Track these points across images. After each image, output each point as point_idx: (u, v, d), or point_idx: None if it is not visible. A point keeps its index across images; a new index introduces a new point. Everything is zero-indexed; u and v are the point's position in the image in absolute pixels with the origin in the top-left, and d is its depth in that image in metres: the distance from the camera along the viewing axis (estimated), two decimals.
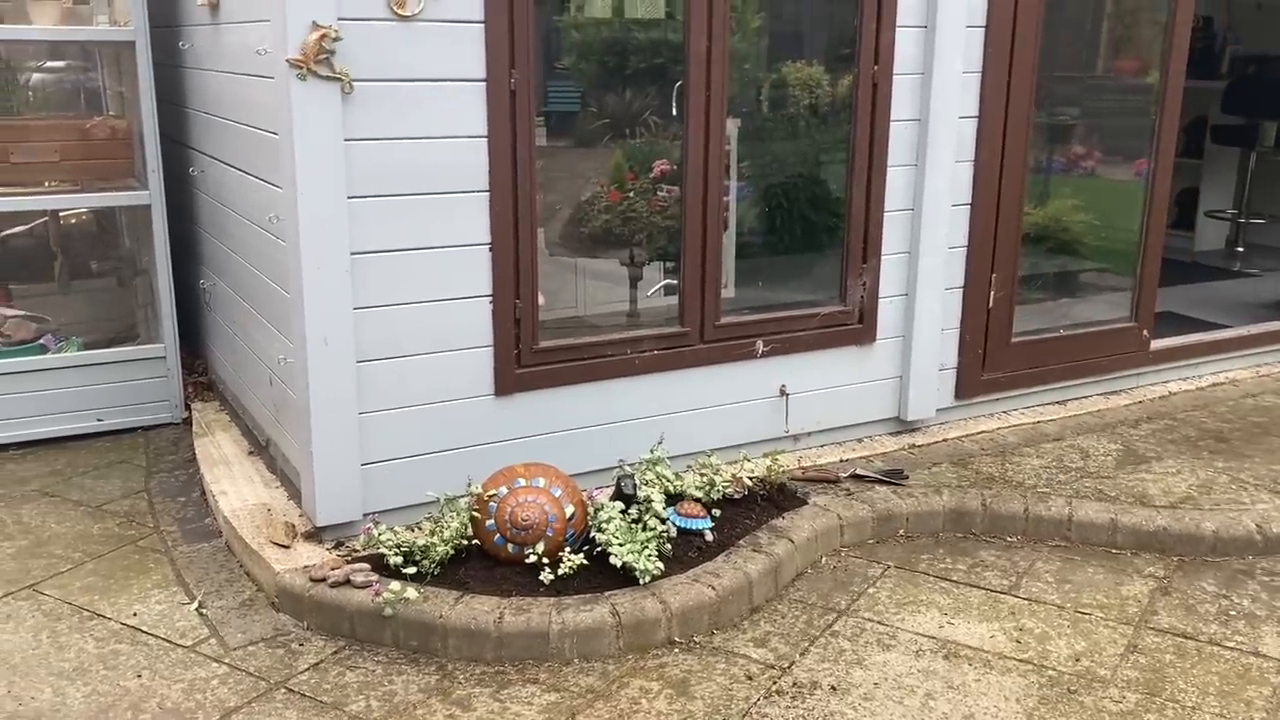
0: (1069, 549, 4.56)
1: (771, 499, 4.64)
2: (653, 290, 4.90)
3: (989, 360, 5.64)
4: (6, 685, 3.61)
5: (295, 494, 4.60)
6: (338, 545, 4.27)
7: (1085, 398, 6.06)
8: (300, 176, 3.91)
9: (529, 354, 4.48)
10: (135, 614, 4.05)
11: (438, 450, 4.40)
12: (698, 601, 3.89)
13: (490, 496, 4.05)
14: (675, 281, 4.91)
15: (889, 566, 4.41)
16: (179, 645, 3.86)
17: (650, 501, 4.14)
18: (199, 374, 6.23)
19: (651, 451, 4.49)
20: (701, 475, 4.54)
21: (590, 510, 4.14)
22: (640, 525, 4.11)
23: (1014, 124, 5.37)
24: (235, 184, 4.94)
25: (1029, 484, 4.92)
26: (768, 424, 5.12)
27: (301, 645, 3.86)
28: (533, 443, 4.56)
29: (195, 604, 4.12)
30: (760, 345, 4.97)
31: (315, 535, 4.31)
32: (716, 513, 4.40)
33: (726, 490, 4.46)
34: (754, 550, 4.22)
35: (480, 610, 3.78)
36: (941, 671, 3.68)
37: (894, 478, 4.92)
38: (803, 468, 5.02)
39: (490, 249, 4.32)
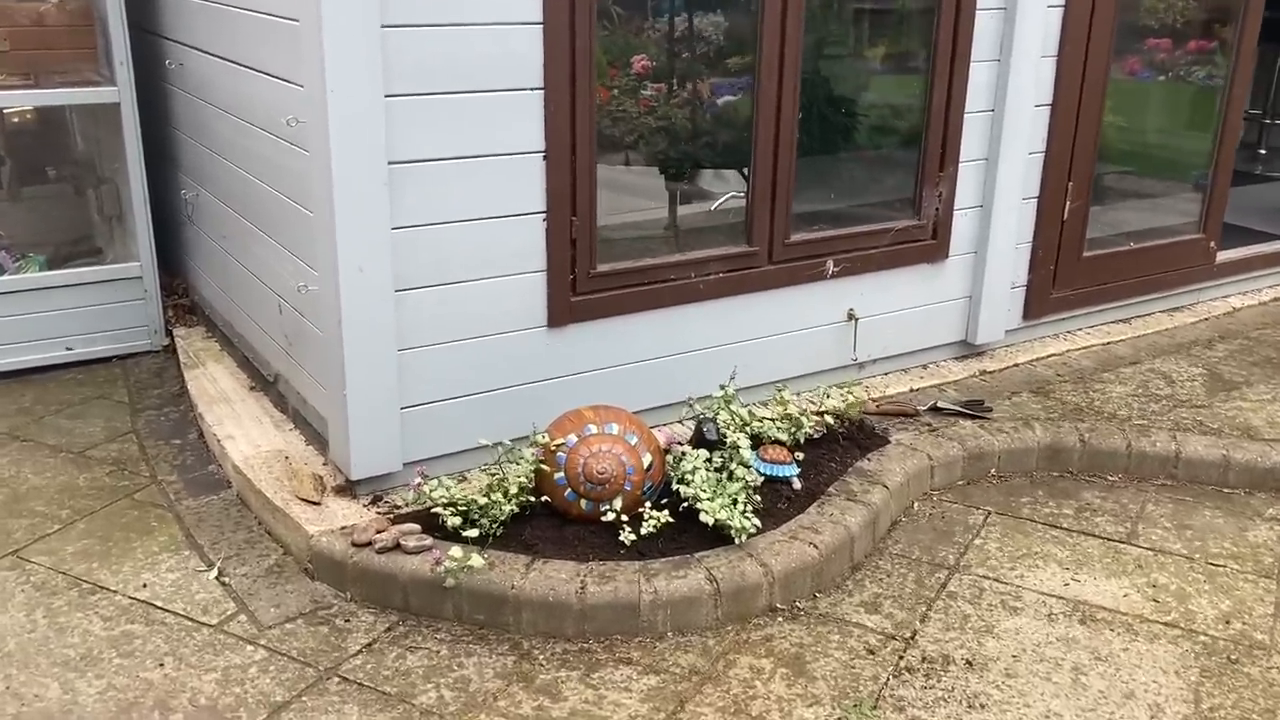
0: (1176, 489, 4.17)
1: (852, 437, 4.18)
2: (718, 203, 4.33)
3: (1059, 277, 5.18)
4: (3, 680, 3.06)
5: (315, 438, 4.03)
6: (375, 500, 3.73)
7: (1149, 315, 5.65)
8: (330, 70, 3.27)
9: (585, 279, 3.91)
10: (145, 585, 3.49)
11: (485, 390, 3.85)
12: (800, 562, 3.43)
13: (558, 446, 3.52)
14: (734, 194, 4.35)
15: (989, 512, 3.98)
16: (203, 624, 3.32)
17: (737, 448, 3.64)
18: (179, 295, 5.56)
19: (723, 389, 3.98)
20: (780, 412, 4.05)
21: (670, 459, 3.63)
22: (727, 474, 3.62)
23: (1100, 14, 4.82)
24: (229, 80, 4.25)
25: (1121, 415, 4.51)
26: (834, 352, 4.63)
27: (348, 621, 3.34)
28: (589, 380, 4.03)
29: (215, 571, 3.57)
30: (830, 265, 4.45)
31: (348, 489, 3.76)
32: (800, 456, 3.92)
33: (809, 431, 3.97)
34: (849, 499, 3.75)
35: (558, 579, 3.28)
36: (1083, 639, 3.27)
37: (976, 410, 4.48)
38: (874, 400, 4.55)
39: (545, 158, 3.71)
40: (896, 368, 4.88)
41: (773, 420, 4.04)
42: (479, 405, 3.84)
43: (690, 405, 3.98)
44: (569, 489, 3.50)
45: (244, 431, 4.21)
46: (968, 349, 5.05)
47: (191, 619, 3.34)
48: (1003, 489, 4.15)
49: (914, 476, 4.03)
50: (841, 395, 4.26)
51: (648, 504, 3.54)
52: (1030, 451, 4.26)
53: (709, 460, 3.64)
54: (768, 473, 3.77)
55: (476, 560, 3.28)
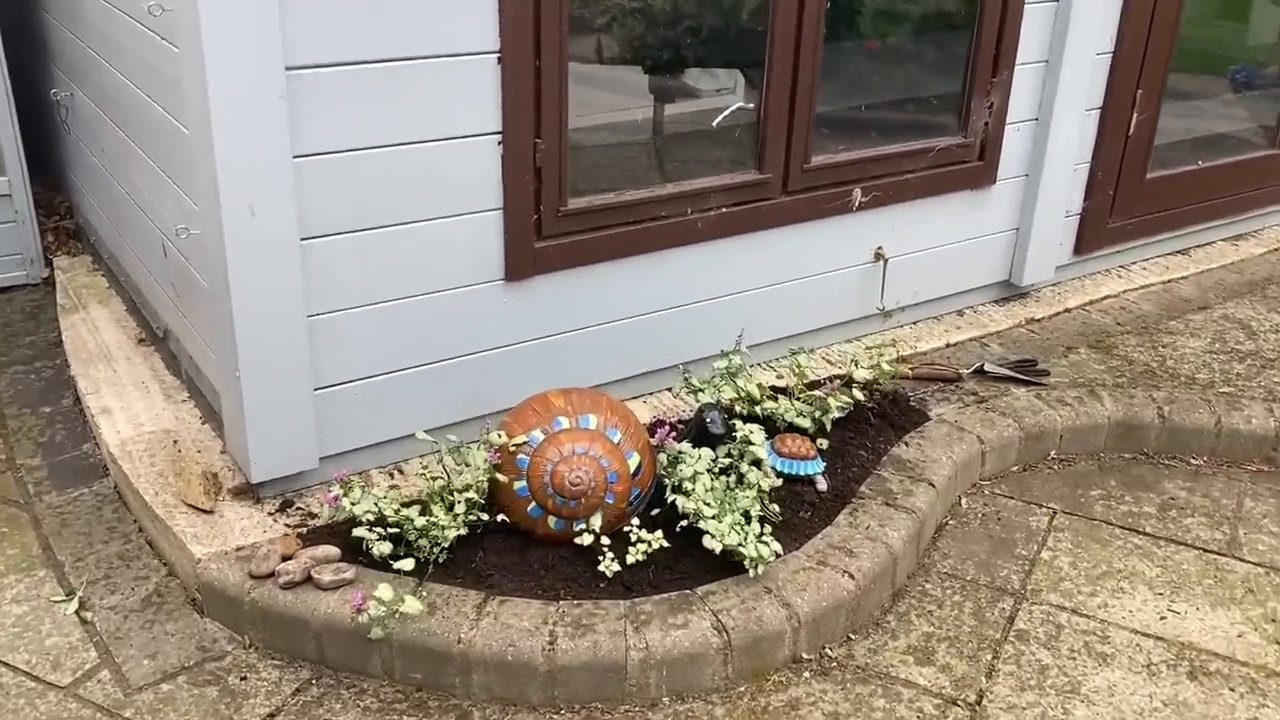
0: (1275, 477, 3.42)
1: (884, 413, 3.38)
2: (721, 118, 3.43)
3: (1118, 203, 4.35)
4: None
5: (212, 414, 3.18)
6: (284, 507, 2.91)
7: (1210, 245, 4.85)
8: None
9: (553, 219, 3.04)
10: None
11: (424, 363, 3.00)
12: (833, 598, 2.66)
13: (518, 446, 2.70)
14: (741, 106, 3.46)
15: (1054, 511, 3.22)
16: (51, 685, 2.52)
17: (748, 442, 2.83)
18: (61, 216, 4.63)
19: (726, 357, 3.15)
20: (797, 383, 3.24)
21: (664, 458, 2.82)
22: (735, 477, 2.82)
23: None
24: None
25: (1201, 380, 3.73)
26: (857, 299, 3.80)
27: (244, 680, 2.55)
28: (558, 346, 3.19)
29: (74, 603, 2.76)
30: (858, 194, 3.59)
31: (250, 492, 2.94)
32: (824, 444, 3.13)
33: (836, 413, 3.16)
34: (887, 504, 2.98)
35: (519, 628, 2.49)
36: (1197, 703, 2.54)
37: (1029, 373, 3.69)
38: (904, 359, 3.75)
39: (499, 60, 2.81)
40: (928, 315, 4.07)
41: (788, 396, 3.23)
42: (416, 383, 3.00)
43: (686, 377, 3.16)
44: (533, 502, 2.69)
45: (125, 403, 3.35)
46: (1010, 291, 4.24)
47: (36, 677, 2.54)
48: (1067, 478, 3.38)
49: (963, 466, 3.25)
50: (870, 358, 3.44)
51: (634, 520, 2.74)
52: (1098, 429, 3.49)
53: (714, 461, 2.83)
54: (786, 471, 2.97)
55: (411, 605, 2.48)
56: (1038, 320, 4.12)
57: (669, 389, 3.50)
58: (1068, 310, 4.22)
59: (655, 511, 2.80)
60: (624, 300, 3.27)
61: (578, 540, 2.67)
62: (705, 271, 3.39)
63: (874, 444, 3.24)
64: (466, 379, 3.06)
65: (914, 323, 4.03)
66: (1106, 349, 3.93)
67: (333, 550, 2.68)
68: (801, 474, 2.98)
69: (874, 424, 3.32)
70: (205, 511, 2.86)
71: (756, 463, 2.85)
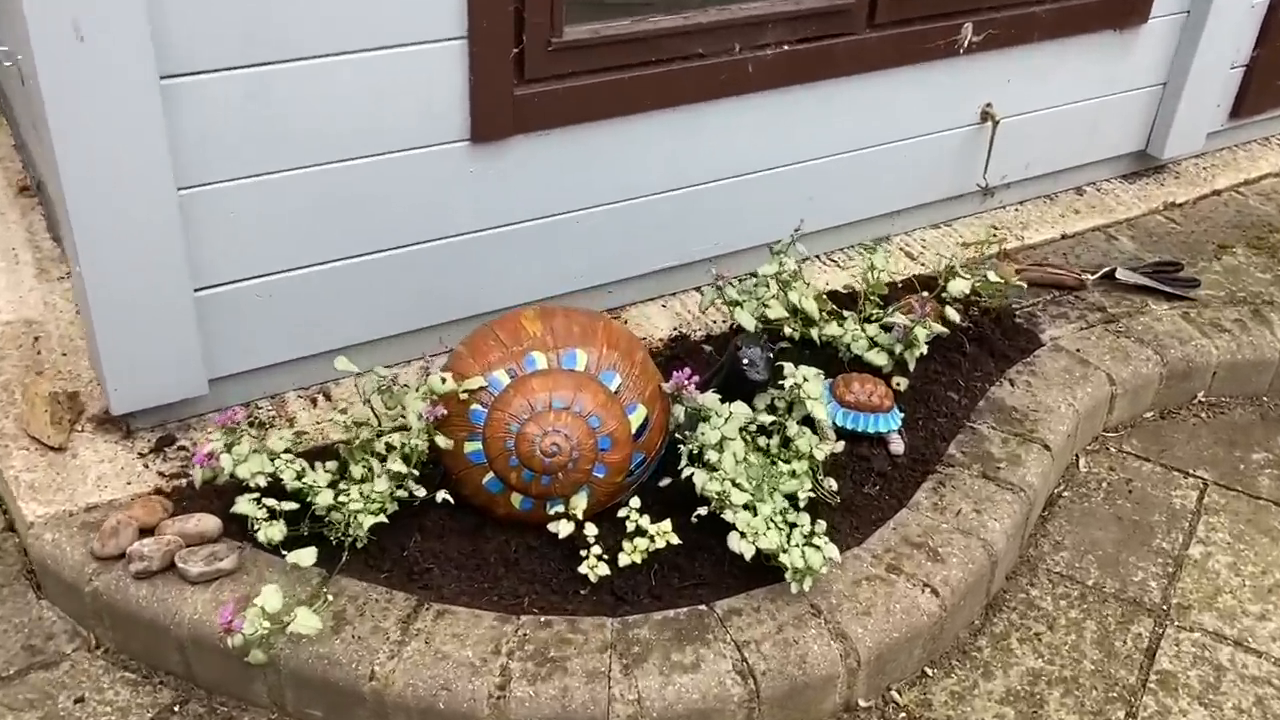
0: None
1: (982, 335, 2.53)
2: None
3: None
4: None
5: None
6: (162, 446, 2.14)
7: None
8: None
9: (542, 55, 2.14)
10: None
11: (353, 255, 2.17)
12: (907, 626, 1.88)
13: (471, 394, 1.89)
14: None
15: (1205, 483, 2.40)
16: None
17: (802, 396, 2.00)
18: None
19: (777, 256, 2.30)
20: (870, 286, 2.39)
21: (679, 413, 2.00)
22: (779, 440, 2.00)
23: None
24: None
25: None
26: (952, 172, 2.89)
27: (81, 703, 1.83)
28: (545, 234, 2.34)
29: None
30: (968, 31, 2.64)
31: (117, 422, 2.16)
32: (902, 383, 2.30)
33: (924, 348, 2.31)
34: (985, 475, 2.17)
35: (458, 659, 1.74)
36: None
37: (1173, 281, 2.80)
38: (1008, 255, 2.86)
39: None
40: (1039, 194, 3.16)
41: (857, 315, 2.38)
42: (342, 283, 2.18)
43: (718, 285, 2.31)
44: (490, 473, 1.90)
45: None
46: (1144, 164, 3.31)
47: None
48: (1220, 432, 2.55)
49: (1086, 415, 2.42)
50: (971, 256, 2.57)
51: (631, 491, 1.95)
52: (1265, 366, 2.63)
53: (750, 419, 2.00)
54: (851, 428, 2.15)
55: (306, 621, 1.73)
56: (1178, 205, 3.20)
57: (698, 289, 2.66)
58: (1216, 193, 3.29)
59: (665, 482, 2.00)
60: (639, 170, 2.39)
61: (552, 527, 1.89)
62: (755, 133, 2.49)
63: (968, 381, 2.40)
64: (413, 277, 2.24)
65: (1020, 204, 3.13)
66: (1271, 250, 3.02)
67: (210, 522, 1.92)
68: (871, 431, 2.16)
69: (968, 351, 2.47)
70: (52, 449, 2.10)
71: (808, 421, 2.03)
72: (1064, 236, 3.00)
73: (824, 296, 2.39)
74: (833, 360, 2.31)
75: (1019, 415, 2.33)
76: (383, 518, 1.85)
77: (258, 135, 1.96)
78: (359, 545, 1.89)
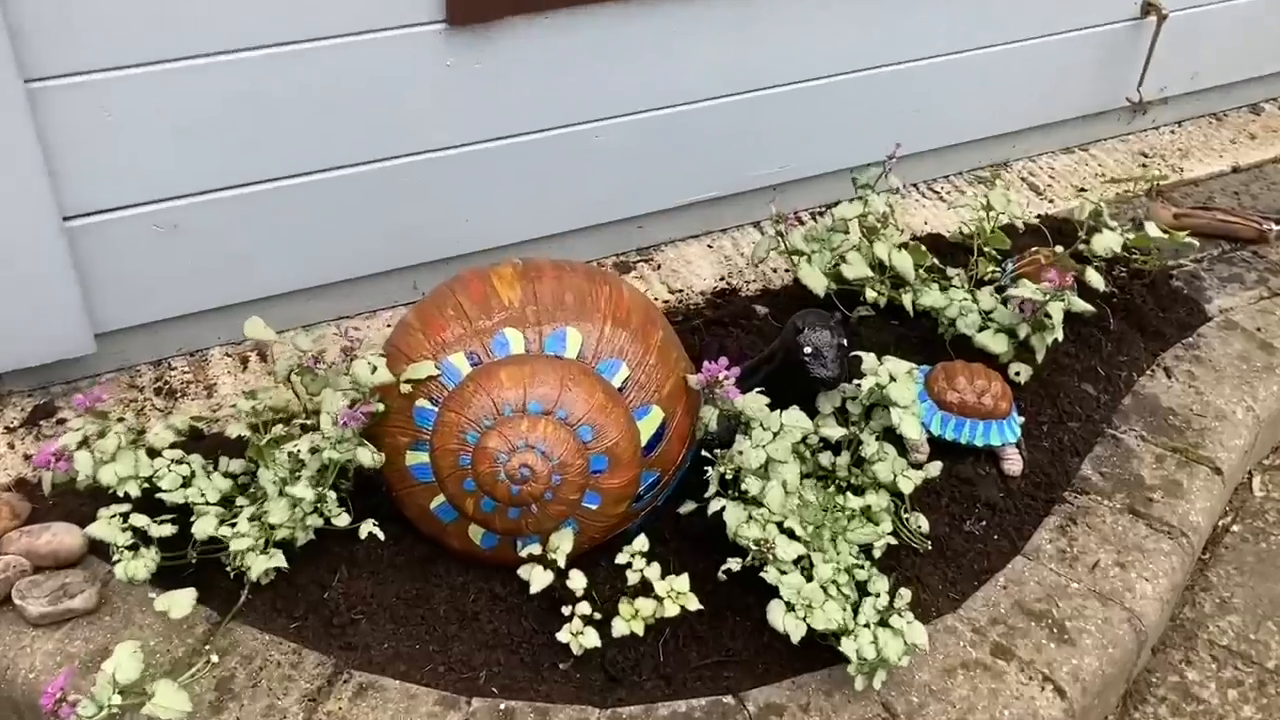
0: None
1: (1129, 302, 1.91)
2: None
3: None
4: None
5: None
6: (38, 416, 1.65)
7: None
8: None
9: None
10: None
11: (288, 176, 1.61)
12: None
13: (421, 385, 1.33)
14: None
15: None
16: None
17: (886, 397, 1.41)
18: None
19: (862, 191, 1.70)
20: (980, 243, 1.78)
21: (707, 419, 1.42)
22: (849, 460, 1.43)
23: None
24: None
25: None
26: (1094, 82, 2.24)
27: None
28: (544, 150, 1.77)
29: None
30: None
31: None
32: (1021, 374, 1.69)
33: (1058, 331, 1.69)
34: (1132, 512, 1.59)
35: None
36: None
37: None
38: (1163, 193, 2.22)
39: None
40: (1202, 112, 2.48)
41: (966, 275, 1.77)
42: (274, 212, 1.63)
43: (778, 229, 1.72)
44: (440, 497, 1.36)
45: None
46: None
47: None
48: None
49: (1269, 422, 1.80)
50: (1112, 195, 1.93)
51: (640, 536, 1.40)
52: None
53: (810, 435, 1.42)
54: (954, 439, 1.57)
55: (168, 700, 1.22)
56: None
57: (756, 226, 2.07)
58: None
59: (687, 509, 1.45)
60: (677, 68, 1.79)
61: (525, 573, 1.35)
62: (835, 22, 1.87)
63: (1109, 368, 1.79)
64: (372, 207, 1.68)
65: (1178, 125, 2.46)
66: None
67: (68, 539, 1.42)
68: (980, 444, 1.58)
69: (1111, 326, 1.86)
70: None
71: (892, 435, 1.45)
72: (1235, 170, 2.34)
73: (921, 247, 1.78)
74: (929, 337, 1.72)
75: (1178, 421, 1.72)
76: (279, 561, 1.32)
77: (145, 6, 1.40)
78: (263, 582, 1.38)
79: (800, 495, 1.37)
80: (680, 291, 1.92)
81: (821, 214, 2.08)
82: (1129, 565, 1.51)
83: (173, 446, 1.42)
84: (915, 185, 2.20)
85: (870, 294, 1.71)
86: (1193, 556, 1.58)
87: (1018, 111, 2.19)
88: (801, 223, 1.73)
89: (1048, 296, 1.58)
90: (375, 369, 1.30)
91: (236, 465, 1.44)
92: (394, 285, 1.79)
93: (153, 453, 1.41)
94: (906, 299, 1.70)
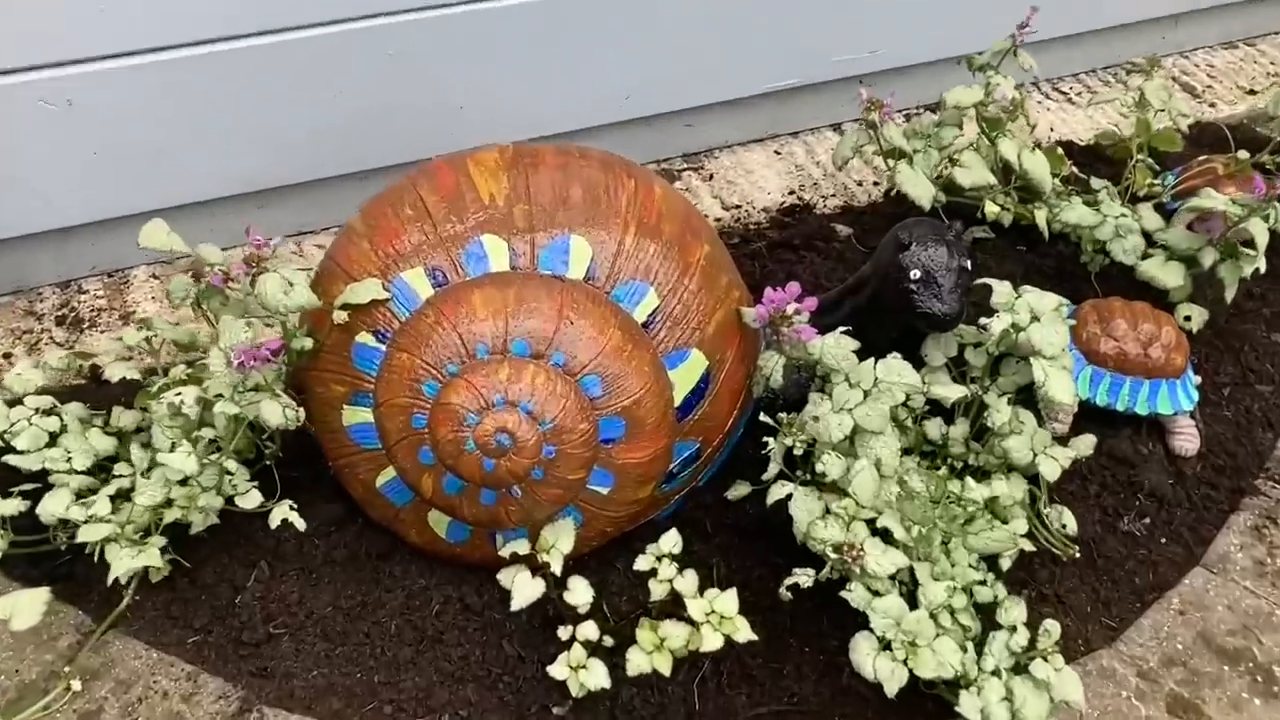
0: None
1: None
2: None
3: None
4: None
5: None
6: None
7: None
8: None
9: None
10: None
11: (219, 39, 1.22)
12: None
13: (362, 312, 0.94)
14: None
15: None
16: None
17: (1027, 341, 0.99)
18: None
19: (984, 75, 1.26)
20: (1134, 153, 1.34)
21: (768, 369, 1.01)
22: (969, 431, 1.01)
23: None
24: None
25: None
26: None
27: None
28: (546, 10, 1.34)
29: None
30: None
31: None
32: (1193, 319, 1.25)
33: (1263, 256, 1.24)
34: None
35: None
36: None
37: None
38: None
39: None
40: None
41: (1120, 189, 1.33)
42: (194, 90, 1.23)
43: (868, 112, 1.28)
44: (390, 470, 0.96)
45: None
46: None
47: None
48: None
49: None
50: None
51: (671, 530, 0.99)
52: None
53: (915, 396, 1.00)
54: (1107, 404, 1.14)
55: None
56: None
57: (835, 128, 1.64)
58: None
59: (739, 492, 1.04)
60: None
61: (505, 579, 0.96)
62: None
63: None
64: (322, 89, 1.28)
65: None
66: None
67: None
68: (1143, 412, 1.15)
69: None
70: None
71: (1027, 400, 1.03)
72: None
73: (1058, 151, 1.35)
74: (1068, 268, 1.30)
75: None
76: (153, 559, 0.94)
77: None
78: (154, 578, 1.01)
79: (902, 481, 0.95)
80: (738, 208, 1.51)
81: (923, 112, 1.65)
82: None
83: (43, 392, 1.05)
84: (1036, 84, 1.75)
85: (991, 208, 1.29)
86: None
87: None
88: (898, 121, 1.31)
89: (1247, 210, 1.13)
90: (292, 286, 0.90)
91: (130, 419, 1.06)
92: (368, 195, 1.39)
93: (14, 401, 1.03)
94: (1041, 216, 1.26)
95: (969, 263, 1.02)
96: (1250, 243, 1.13)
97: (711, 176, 1.57)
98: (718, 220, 1.49)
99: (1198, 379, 1.19)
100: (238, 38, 1.22)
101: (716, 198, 1.53)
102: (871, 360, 0.97)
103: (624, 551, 1.03)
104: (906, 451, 1.06)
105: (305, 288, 0.91)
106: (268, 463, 1.04)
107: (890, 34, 1.56)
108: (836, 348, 0.97)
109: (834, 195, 1.53)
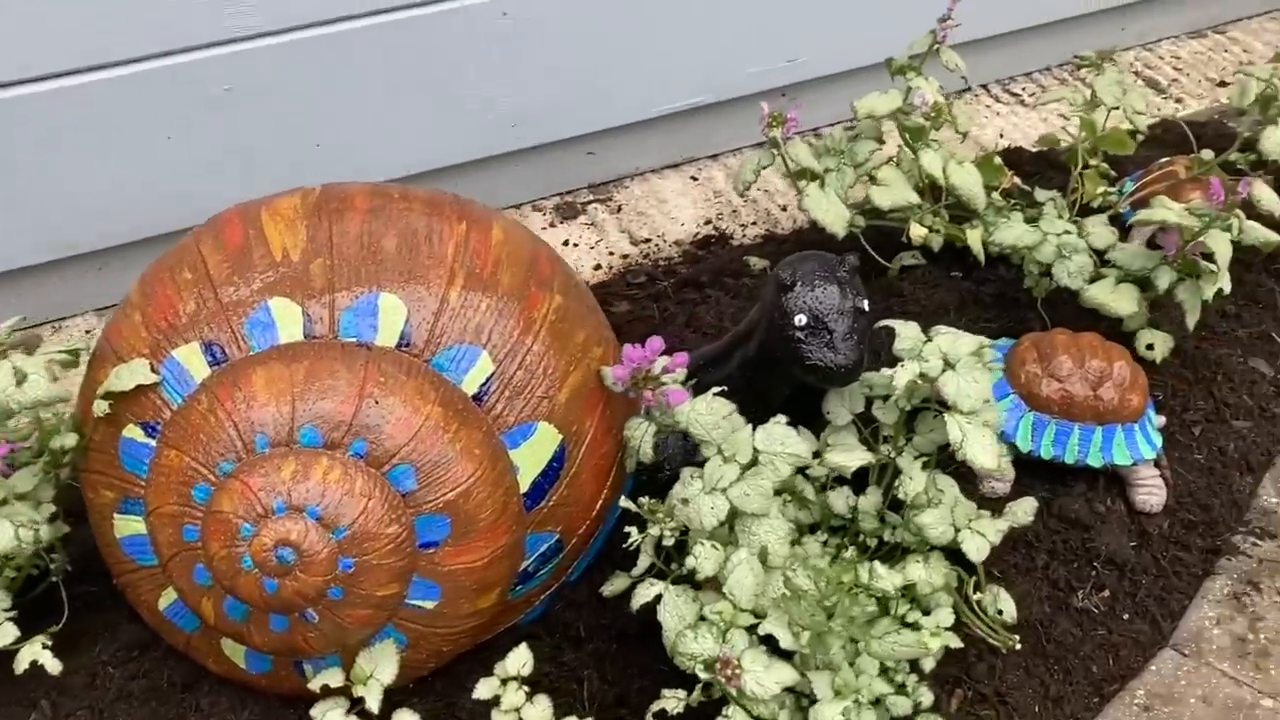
0: None
1: None
2: None
3: None
4: None
5: None
6: None
7: None
8: None
9: None
10: None
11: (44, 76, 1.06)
12: None
13: (129, 400, 0.77)
14: None
15: None
16: None
17: (942, 392, 0.82)
18: None
19: (906, 78, 1.10)
20: (1085, 156, 1.17)
21: (638, 437, 0.84)
22: (881, 502, 0.84)
23: None
24: None
25: None
26: None
27: None
28: (407, 31, 1.19)
29: None
30: None
31: None
32: (1157, 348, 1.08)
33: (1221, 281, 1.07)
34: None
35: None
36: None
37: None
38: None
39: None
40: None
41: (1065, 200, 1.16)
42: None
43: (770, 127, 1.12)
44: (168, 589, 0.80)
45: None
46: None
47: None
48: None
49: None
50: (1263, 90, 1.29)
51: (520, 646, 0.83)
52: None
53: (806, 467, 0.83)
54: (1054, 457, 0.97)
55: None
56: None
57: (763, 146, 1.47)
58: None
59: (614, 588, 0.87)
60: None
61: (316, 714, 0.79)
62: None
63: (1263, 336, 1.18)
64: (145, 125, 1.13)
65: None
66: None
67: None
68: (1097, 464, 0.98)
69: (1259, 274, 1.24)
70: None
71: (941, 459, 0.86)
72: None
73: (996, 160, 1.18)
74: (1011, 294, 1.13)
75: None
76: None
77: None
78: None
79: (789, 574, 0.78)
80: (647, 242, 1.34)
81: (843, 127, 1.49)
82: None
83: None
84: (985, 87, 1.59)
85: (918, 231, 1.12)
86: None
87: None
88: (812, 142, 1.15)
89: (1205, 220, 0.96)
90: (25, 378, 0.74)
91: None
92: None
93: None
94: (974, 237, 1.10)
95: (865, 302, 0.85)
96: (1211, 258, 0.96)
97: (620, 208, 1.40)
98: (624, 257, 1.32)
99: (1161, 420, 1.02)
100: (35, 80, 1.06)
101: (624, 232, 1.37)
102: (749, 429, 0.80)
103: (478, 666, 0.86)
104: (813, 528, 0.89)
105: (42, 378, 0.74)
106: (54, 579, 0.88)
107: (812, 40, 1.40)
108: (705, 414, 0.80)
109: (754, 223, 1.37)
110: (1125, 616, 0.94)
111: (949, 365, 0.83)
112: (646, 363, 0.82)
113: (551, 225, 1.37)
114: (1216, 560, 0.98)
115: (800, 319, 0.84)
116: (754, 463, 0.80)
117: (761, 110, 1.12)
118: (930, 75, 1.14)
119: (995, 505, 0.91)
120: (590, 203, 1.41)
